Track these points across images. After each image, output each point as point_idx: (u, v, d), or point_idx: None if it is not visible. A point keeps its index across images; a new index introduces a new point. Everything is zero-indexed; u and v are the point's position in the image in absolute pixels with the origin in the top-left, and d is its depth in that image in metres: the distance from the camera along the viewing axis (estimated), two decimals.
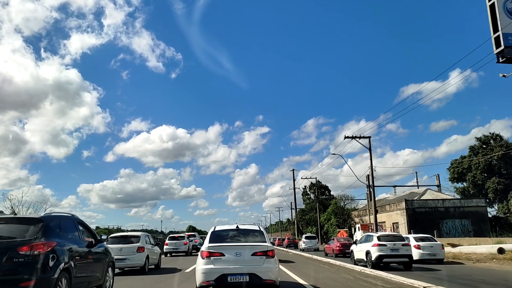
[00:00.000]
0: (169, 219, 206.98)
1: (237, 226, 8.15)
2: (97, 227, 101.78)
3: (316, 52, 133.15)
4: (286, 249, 39.15)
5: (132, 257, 12.76)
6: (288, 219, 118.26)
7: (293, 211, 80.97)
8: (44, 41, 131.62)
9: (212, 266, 7.17)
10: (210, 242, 7.66)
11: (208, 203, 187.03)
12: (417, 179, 56.58)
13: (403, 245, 15.08)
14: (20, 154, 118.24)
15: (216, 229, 8.18)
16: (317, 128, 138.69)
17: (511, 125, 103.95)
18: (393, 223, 37.79)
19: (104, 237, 9.05)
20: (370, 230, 33.64)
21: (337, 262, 17.02)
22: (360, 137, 31.53)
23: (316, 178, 62.97)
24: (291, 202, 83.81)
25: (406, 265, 15.03)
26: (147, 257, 13.32)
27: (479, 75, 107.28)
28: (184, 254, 23.95)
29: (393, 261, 15.15)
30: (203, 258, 7.33)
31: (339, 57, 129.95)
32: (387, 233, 19.56)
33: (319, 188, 68.20)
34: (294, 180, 65.09)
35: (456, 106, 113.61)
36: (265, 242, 7.65)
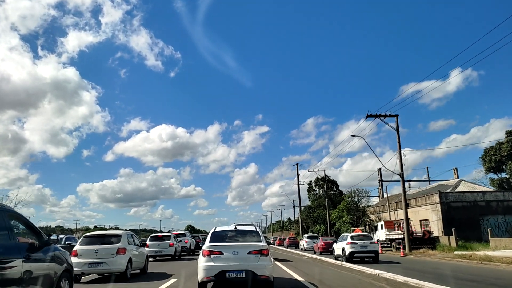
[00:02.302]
0: (169, 218, 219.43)
1: (235, 227, 9.61)
2: (95, 227, 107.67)
3: (316, 52, 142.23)
4: (287, 249, 41.40)
5: (110, 261, 11.59)
6: (289, 218, 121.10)
7: (297, 208, 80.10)
8: (41, 39, 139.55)
9: (212, 263, 8.46)
10: (210, 241, 8.95)
11: (208, 202, 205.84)
12: (428, 175, 55.65)
13: (370, 243, 20.11)
14: (19, 153, 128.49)
15: (216, 229, 9.58)
16: (317, 127, 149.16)
17: (511, 124, 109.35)
18: (420, 221, 35.60)
19: (54, 237, 6.81)
20: (397, 228, 31.56)
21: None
22: (385, 116, 29.15)
23: (324, 170, 60.72)
24: (293, 200, 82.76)
25: (373, 259, 20.02)
26: (130, 260, 12.17)
27: (480, 74, 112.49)
28: (170, 258, 21.31)
29: (362, 256, 20.03)
30: (204, 256, 8.62)
31: (339, 56, 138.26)
32: (358, 233, 23.58)
33: (327, 183, 66.27)
34: (298, 175, 63.24)
35: (455, 105, 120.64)
36: (260, 241, 8.99)
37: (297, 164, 65.10)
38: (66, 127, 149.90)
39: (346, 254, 19.81)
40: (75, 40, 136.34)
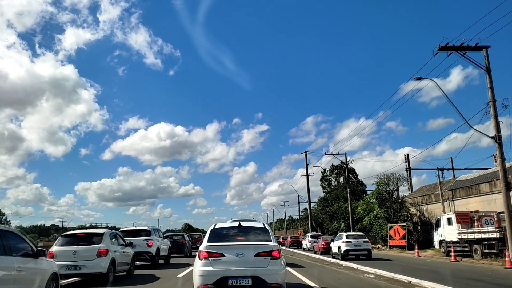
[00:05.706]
0: (168, 217, 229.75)
1: (240, 223, 8.87)
2: (91, 225, 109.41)
3: (316, 50, 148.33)
4: (288, 249, 43.59)
5: None
6: (290, 216, 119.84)
7: (303, 204, 72.85)
8: (38, 36, 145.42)
9: (210, 268, 7.69)
10: (209, 241, 8.19)
11: (207, 201, 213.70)
12: (452, 165, 52.15)
13: (364, 241, 24.05)
14: (17, 152, 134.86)
15: (216, 226, 8.91)
16: (316, 125, 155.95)
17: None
18: (498, 213, 27.24)
19: None
20: (479, 223, 23.30)
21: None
22: (467, 48, 20.70)
23: (345, 153, 52.41)
24: (298, 195, 76.86)
25: (367, 256, 23.75)
26: None
27: (480, 72, 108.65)
28: (100, 278, 11.68)
29: (356, 253, 23.69)
30: (201, 259, 7.83)
31: (338, 55, 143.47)
32: (352, 232, 27.90)
33: (344, 171, 58.58)
34: (306, 164, 57.25)
35: (456, 104, 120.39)
36: (270, 241, 8.24)
37: (305, 152, 58.25)
38: (64, 125, 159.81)
39: (342, 252, 23.15)
40: (73, 38, 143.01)
